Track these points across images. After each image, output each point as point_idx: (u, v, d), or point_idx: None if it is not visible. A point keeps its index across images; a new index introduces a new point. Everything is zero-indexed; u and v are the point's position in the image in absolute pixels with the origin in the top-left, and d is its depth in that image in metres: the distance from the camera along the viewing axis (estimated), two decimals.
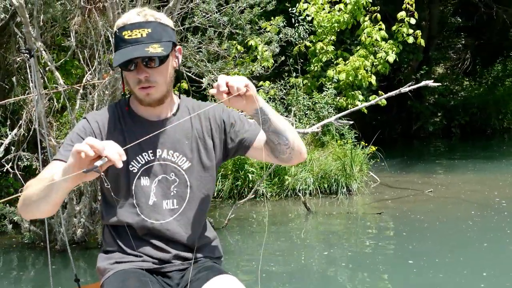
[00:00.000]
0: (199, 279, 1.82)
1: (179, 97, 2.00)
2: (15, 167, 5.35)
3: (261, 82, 9.38)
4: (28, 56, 3.19)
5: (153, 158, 1.89)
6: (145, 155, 1.88)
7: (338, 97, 9.69)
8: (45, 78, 5.10)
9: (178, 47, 1.90)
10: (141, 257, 1.88)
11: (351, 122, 5.26)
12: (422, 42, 10.05)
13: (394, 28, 10.07)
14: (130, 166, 1.87)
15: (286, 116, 8.12)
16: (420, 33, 10.00)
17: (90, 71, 4.75)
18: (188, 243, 1.92)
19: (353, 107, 8.89)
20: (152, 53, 1.73)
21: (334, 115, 5.79)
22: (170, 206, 1.90)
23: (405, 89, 5.26)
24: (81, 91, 4.57)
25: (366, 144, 9.01)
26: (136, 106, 1.93)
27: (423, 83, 5.57)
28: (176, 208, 1.90)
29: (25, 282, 4.84)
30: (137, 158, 1.88)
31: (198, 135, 1.93)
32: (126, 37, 1.76)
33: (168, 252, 1.90)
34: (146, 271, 1.86)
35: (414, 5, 9.75)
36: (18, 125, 4.73)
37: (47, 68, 5.43)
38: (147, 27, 1.76)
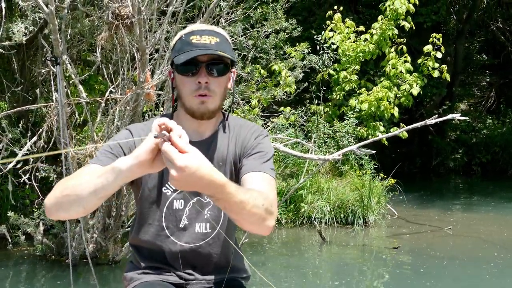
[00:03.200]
0: None
1: (225, 116, 1.90)
2: (32, 178, 5.34)
3: (282, 108, 9.36)
4: (55, 63, 3.19)
5: None
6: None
7: (359, 127, 9.61)
8: (69, 91, 5.13)
9: (233, 69, 1.83)
10: (169, 272, 1.85)
11: (373, 152, 5.19)
12: (448, 76, 9.97)
13: (419, 61, 10.03)
14: (164, 188, 1.81)
15: (306, 142, 8.06)
16: (446, 68, 9.92)
17: (113, 86, 4.76)
18: (218, 264, 1.90)
19: (373, 136, 8.82)
20: (225, 55, 1.68)
21: (354, 145, 5.70)
22: (202, 230, 1.84)
23: (431, 121, 5.18)
24: (103, 104, 4.58)
25: (385, 176, 8.89)
26: (180, 122, 1.76)
27: (450, 116, 5.48)
28: (209, 232, 1.85)
29: None
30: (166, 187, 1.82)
31: (233, 160, 1.84)
32: (194, 41, 1.70)
33: (197, 273, 1.87)
34: (172, 285, 1.84)
35: (441, 39, 9.72)
36: (38, 133, 4.73)
37: (70, 82, 5.49)
38: (216, 36, 1.73)
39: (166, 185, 1.81)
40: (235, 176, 1.83)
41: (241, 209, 1.47)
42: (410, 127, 5.56)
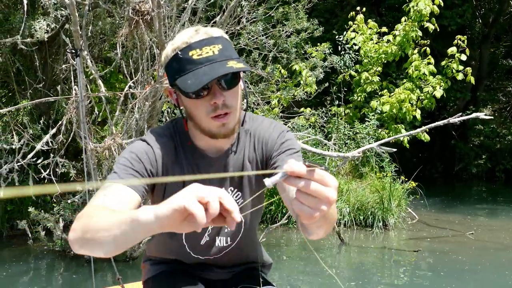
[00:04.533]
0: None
1: (241, 117, 1.71)
2: (51, 174, 5.37)
3: (302, 108, 9.30)
4: (75, 55, 3.20)
5: None
6: None
7: (380, 129, 9.51)
8: (88, 86, 5.15)
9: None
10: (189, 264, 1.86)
11: (394, 150, 5.10)
12: (472, 79, 9.81)
13: (443, 63, 9.89)
14: None
15: (325, 144, 7.99)
16: (471, 71, 9.76)
17: (132, 80, 4.77)
18: (237, 262, 1.91)
19: (396, 139, 8.71)
20: (238, 68, 1.46)
21: (379, 147, 5.63)
22: (223, 244, 1.80)
23: (454, 119, 5.07)
24: (121, 99, 4.58)
25: (406, 179, 8.77)
26: (196, 139, 1.69)
27: (474, 115, 5.36)
28: (229, 245, 1.81)
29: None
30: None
31: (255, 160, 1.72)
32: (195, 57, 1.50)
33: (218, 270, 1.89)
34: (191, 275, 1.85)
35: (466, 41, 9.57)
36: (57, 126, 4.76)
37: (91, 77, 5.52)
38: (217, 43, 1.53)
39: None
40: (258, 183, 1.73)
41: (334, 216, 1.33)
42: (432, 125, 5.45)
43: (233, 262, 1.89)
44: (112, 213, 1.27)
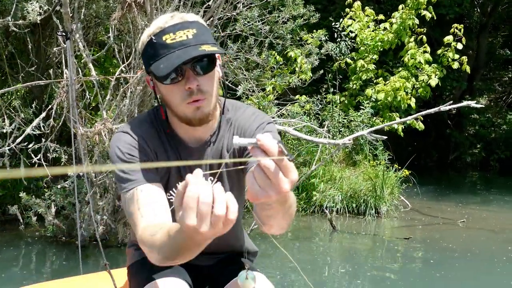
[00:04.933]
0: (227, 274, 1.80)
1: (222, 105, 1.73)
2: (41, 158, 5.33)
3: (297, 96, 9.28)
4: (65, 38, 3.16)
5: None
6: None
7: (374, 117, 9.50)
8: (79, 69, 5.12)
9: (217, 54, 1.63)
10: None
11: (385, 137, 5.09)
12: (468, 69, 9.77)
13: (439, 51, 9.85)
14: (168, 194, 1.71)
15: (318, 131, 7.98)
16: (466, 60, 9.73)
17: (124, 64, 4.73)
18: (221, 249, 1.91)
19: (389, 128, 8.70)
20: (211, 51, 1.46)
21: (370, 134, 5.62)
22: None
23: (445, 107, 5.07)
24: (113, 82, 4.56)
25: (400, 168, 8.78)
26: (176, 127, 1.70)
27: (465, 103, 5.36)
28: None
29: (47, 273, 4.83)
30: (176, 186, 1.72)
31: (229, 155, 1.72)
32: (168, 41, 1.50)
33: (202, 257, 1.87)
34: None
35: (462, 30, 9.52)
36: (46, 110, 4.73)
37: (82, 60, 5.47)
38: (192, 27, 1.52)
39: (171, 191, 1.73)
40: (238, 172, 1.74)
41: (290, 213, 1.28)
42: (423, 112, 5.45)
43: (217, 250, 1.89)
44: (163, 235, 1.29)
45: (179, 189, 1.03)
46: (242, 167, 1.70)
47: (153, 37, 1.52)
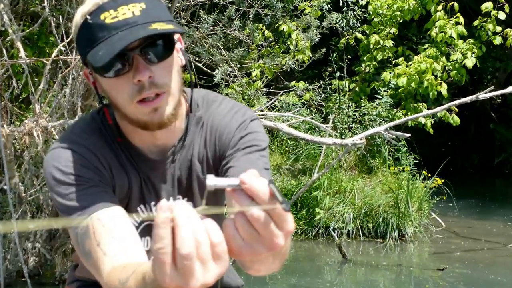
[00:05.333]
0: None
1: (189, 100, 1.70)
2: None
3: (293, 82, 9.29)
4: None
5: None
6: (147, 206, 1.70)
7: (394, 109, 9.53)
8: (4, 51, 5.06)
9: (177, 35, 1.60)
10: None
11: (408, 135, 5.06)
12: None
13: (476, 23, 9.91)
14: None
15: (321, 129, 7.99)
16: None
17: (63, 43, 4.68)
18: None
19: (414, 122, 8.71)
20: (165, 29, 1.44)
21: (388, 131, 5.61)
22: None
23: (485, 94, 5.06)
24: (48, 67, 4.50)
25: (429, 175, 8.81)
26: (128, 134, 1.67)
27: (510, 89, 5.36)
28: None
29: None
30: (137, 211, 1.69)
31: (202, 166, 1.70)
32: (108, 20, 1.45)
33: None
34: None
35: None
36: None
37: (8, 38, 5.42)
38: (139, 1, 1.48)
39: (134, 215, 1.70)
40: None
41: (284, 252, 1.23)
42: (456, 102, 5.44)
43: None
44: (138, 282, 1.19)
45: (158, 233, 0.91)
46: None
47: (88, 17, 1.47)
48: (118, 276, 1.30)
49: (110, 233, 1.43)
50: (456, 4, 9.80)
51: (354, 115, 9.34)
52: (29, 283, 3.86)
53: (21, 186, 4.99)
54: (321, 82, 9.61)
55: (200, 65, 7.33)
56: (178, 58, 1.58)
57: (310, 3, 8.93)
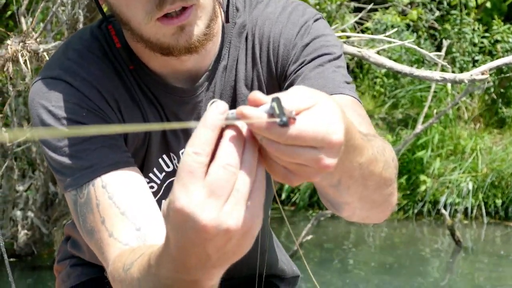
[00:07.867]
0: None
1: (224, 6, 1.72)
2: None
3: None
4: None
5: None
6: (173, 158, 1.75)
7: None
8: None
9: None
10: None
11: None
12: None
13: None
14: (147, 180, 1.72)
15: (431, 56, 7.94)
16: None
17: None
18: (238, 274, 1.97)
19: None
20: None
21: None
22: None
23: None
24: None
25: None
26: (144, 58, 1.70)
27: None
28: None
29: None
30: (160, 164, 1.75)
31: (258, 84, 1.73)
32: None
33: None
34: None
35: None
36: None
37: None
38: None
39: (151, 174, 1.76)
40: None
41: (378, 179, 1.29)
42: None
43: (231, 271, 1.91)
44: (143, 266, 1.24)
45: (199, 135, 0.95)
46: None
47: None
48: (124, 261, 1.34)
49: (119, 207, 1.47)
50: None
51: (482, 42, 9.24)
52: (9, 273, 3.24)
53: (4, 132, 5.10)
54: None
55: None
56: None
57: None
